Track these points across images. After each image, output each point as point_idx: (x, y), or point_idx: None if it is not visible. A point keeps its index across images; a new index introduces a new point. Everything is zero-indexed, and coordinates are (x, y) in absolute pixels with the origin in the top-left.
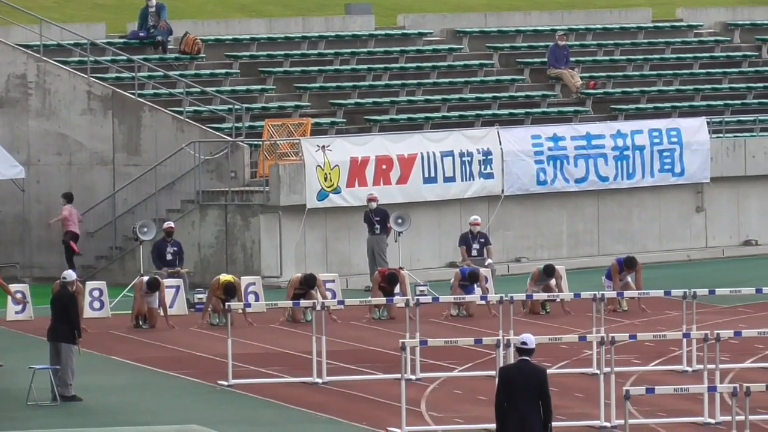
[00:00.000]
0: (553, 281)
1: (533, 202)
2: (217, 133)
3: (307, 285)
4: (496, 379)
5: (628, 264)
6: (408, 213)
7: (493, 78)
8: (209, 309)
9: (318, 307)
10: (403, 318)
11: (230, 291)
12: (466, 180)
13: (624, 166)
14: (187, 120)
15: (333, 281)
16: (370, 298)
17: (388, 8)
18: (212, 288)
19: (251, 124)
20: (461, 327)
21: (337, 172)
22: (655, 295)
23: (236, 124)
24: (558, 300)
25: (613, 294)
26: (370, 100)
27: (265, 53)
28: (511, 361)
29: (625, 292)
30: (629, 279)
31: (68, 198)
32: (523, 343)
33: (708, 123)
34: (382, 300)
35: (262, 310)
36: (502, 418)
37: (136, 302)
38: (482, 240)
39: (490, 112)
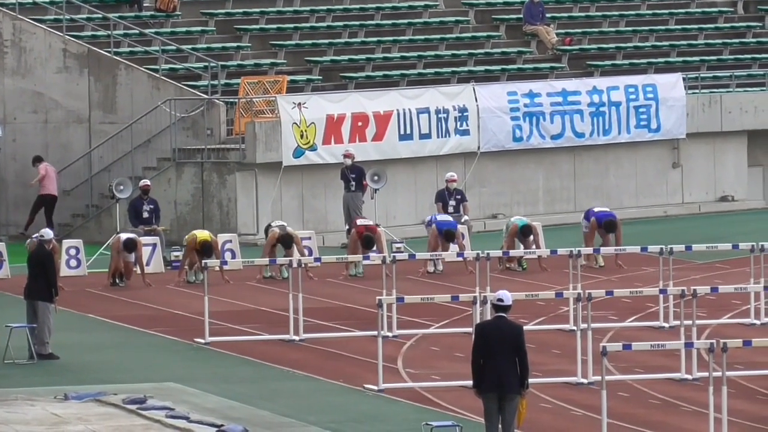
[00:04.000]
0: (530, 238)
1: (509, 158)
2: (193, 90)
3: (284, 245)
4: (473, 336)
5: (607, 228)
6: (384, 170)
7: (469, 35)
8: (186, 266)
9: (295, 264)
10: (379, 275)
11: (207, 250)
12: (441, 137)
13: (600, 122)
14: (162, 78)
15: (309, 238)
16: (346, 256)
17: None
18: (188, 246)
19: (227, 81)
20: (438, 284)
21: (313, 130)
22: (631, 251)
23: (212, 82)
24: (536, 257)
25: (589, 250)
26: (346, 57)
27: (240, 11)
28: (488, 317)
29: (602, 248)
30: (610, 235)
31: (39, 160)
32: (500, 299)
33: (684, 79)
34: (358, 257)
35: (239, 268)
36: (479, 374)
37: (113, 261)
38: (458, 197)
39: (465, 68)
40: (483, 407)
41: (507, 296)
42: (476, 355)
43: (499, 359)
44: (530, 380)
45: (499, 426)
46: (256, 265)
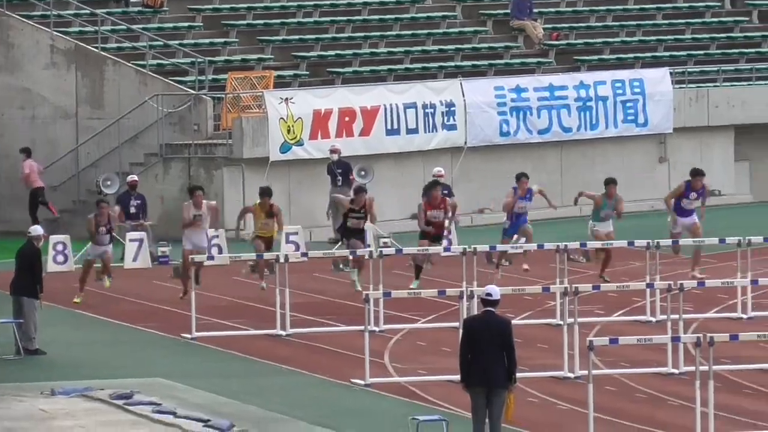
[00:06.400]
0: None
1: (496, 153)
2: (180, 86)
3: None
4: (460, 331)
5: (694, 174)
6: (371, 165)
7: (456, 30)
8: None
9: (282, 260)
10: (366, 270)
11: (266, 190)
12: (429, 132)
13: (587, 117)
14: (150, 73)
15: (296, 233)
16: (333, 251)
17: None
18: (255, 217)
19: (214, 77)
20: (425, 278)
21: (300, 125)
22: (618, 246)
23: (199, 77)
24: (522, 252)
25: (576, 245)
26: (333, 52)
27: (227, 6)
28: (475, 312)
29: (592, 244)
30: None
31: (27, 152)
32: (488, 294)
33: (671, 73)
34: (344, 252)
35: (226, 263)
36: (467, 369)
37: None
38: (446, 192)
39: (452, 63)
40: (470, 402)
41: (495, 291)
42: (464, 349)
43: (486, 354)
44: (518, 374)
45: (487, 420)
46: (243, 260)
